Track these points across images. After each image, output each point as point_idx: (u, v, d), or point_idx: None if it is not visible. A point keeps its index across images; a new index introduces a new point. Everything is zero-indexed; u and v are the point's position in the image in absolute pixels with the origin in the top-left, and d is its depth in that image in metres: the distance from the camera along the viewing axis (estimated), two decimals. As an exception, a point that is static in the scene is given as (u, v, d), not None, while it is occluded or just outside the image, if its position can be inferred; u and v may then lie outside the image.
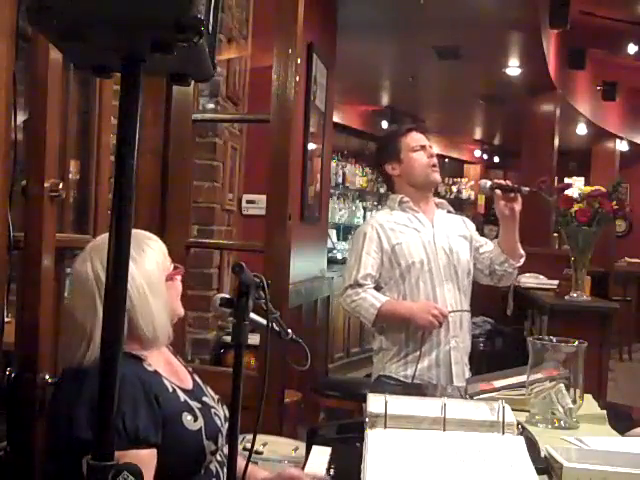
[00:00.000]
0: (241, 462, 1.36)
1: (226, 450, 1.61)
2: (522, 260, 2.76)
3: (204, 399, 1.61)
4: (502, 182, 2.64)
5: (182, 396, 1.55)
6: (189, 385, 1.63)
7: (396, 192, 2.80)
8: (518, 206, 2.59)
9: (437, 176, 2.75)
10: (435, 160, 2.74)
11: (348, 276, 2.68)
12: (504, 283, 2.84)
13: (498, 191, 2.60)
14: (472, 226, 2.87)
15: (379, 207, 9.96)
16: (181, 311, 1.66)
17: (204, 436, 1.52)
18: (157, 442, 1.43)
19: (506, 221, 2.65)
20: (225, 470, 1.58)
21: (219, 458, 1.60)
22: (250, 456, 1.37)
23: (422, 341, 2.63)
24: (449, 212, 2.86)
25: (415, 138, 2.75)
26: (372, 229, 2.70)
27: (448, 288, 2.67)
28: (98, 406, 0.89)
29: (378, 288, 2.68)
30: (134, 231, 1.56)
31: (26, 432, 1.73)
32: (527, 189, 2.59)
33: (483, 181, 2.73)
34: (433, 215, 2.77)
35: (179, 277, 1.64)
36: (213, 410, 1.61)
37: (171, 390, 1.53)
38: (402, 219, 2.72)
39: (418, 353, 2.62)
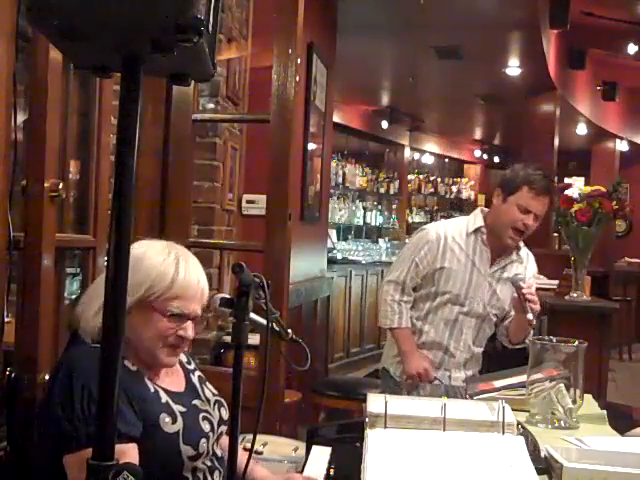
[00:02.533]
0: (241, 458, 1.36)
1: (219, 452, 1.60)
2: (520, 345, 2.69)
3: (194, 402, 1.59)
4: (525, 291, 2.44)
5: (164, 397, 1.52)
6: (180, 388, 1.61)
7: (487, 213, 2.72)
8: (529, 317, 2.46)
9: (512, 243, 2.62)
10: (527, 230, 2.59)
11: (398, 271, 2.71)
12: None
13: (516, 294, 2.50)
14: (532, 268, 2.76)
15: (379, 207, 9.99)
16: (160, 359, 1.52)
17: (181, 440, 1.48)
18: (137, 436, 1.42)
19: (519, 317, 2.56)
20: (215, 475, 1.57)
21: (209, 463, 1.56)
22: (250, 456, 1.37)
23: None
24: (519, 248, 2.73)
25: (532, 202, 2.56)
26: (436, 239, 2.67)
27: (469, 326, 2.69)
28: (98, 406, 0.89)
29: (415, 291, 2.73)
30: (187, 251, 1.60)
31: (26, 432, 1.73)
32: (533, 321, 2.44)
33: (516, 277, 2.53)
34: (499, 255, 2.68)
35: (166, 322, 1.50)
36: (203, 414, 1.58)
37: (152, 390, 1.52)
38: (468, 245, 2.67)
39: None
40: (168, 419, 1.48)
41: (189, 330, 1.53)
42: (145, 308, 1.48)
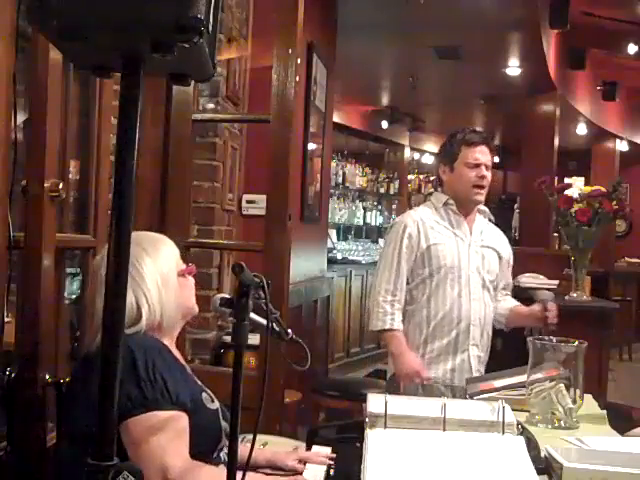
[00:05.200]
0: (243, 450, 1.38)
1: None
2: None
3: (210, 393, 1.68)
4: (552, 316, 2.52)
5: (197, 380, 1.64)
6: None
7: (444, 192, 2.81)
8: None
9: (479, 198, 2.72)
10: (484, 182, 2.69)
11: (387, 270, 2.71)
12: None
13: (543, 313, 2.55)
14: (507, 249, 2.85)
15: (379, 207, 9.99)
16: (195, 309, 1.73)
17: (221, 416, 1.59)
18: (189, 406, 1.51)
19: (528, 319, 2.68)
20: None
21: (225, 450, 1.63)
22: (250, 456, 1.37)
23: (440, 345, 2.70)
24: (490, 221, 2.86)
25: (475, 154, 2.69)
26: (414, 223, 2.72)
27: (474, 297, 2.69)
28: (99, 406, 0.89)
29: (407, 284, 2.74)
30: (149, 233, 1.68)
31: (26, 432, 1.73)
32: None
33: (546, 293, 2.66)
34: (473, 222, 2.77)
35: (191, 275, 1.72)
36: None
37: (189, 372, 1.63)
38: (444, 220, 2.74)
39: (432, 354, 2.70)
40: (208, 397, 1.60)
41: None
42: (178, 279, 1.66)
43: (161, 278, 1.62)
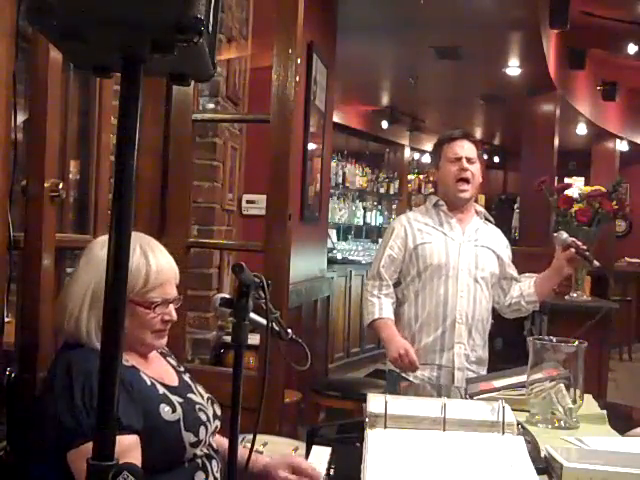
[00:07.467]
0: (242, 452, 1.37)
1: (214, 444, 1.64)
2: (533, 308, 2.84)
3: (189, 396, 1.63)
4: (580, 244, 2.56)
5: (161, 389, 1.56)
6: (174, 383, 1.65)
7: (437, 194, 2.86)
8: (596, 264, 2.57)
9: (464, 195, 2.73)
10: (466, 174, 2.71)
11: (373, 267, 2.82)
12: (511, 316, 2.87)
13: (572, 249, 2.54)
14: (505, 248, 2.85)
15: (379, 207, 10.00)
16: (152, 343, 1.59)
17: (182, 427, 1.52)
18: (139, 429, 1.44)
19: (555, 273, 2.67)
20: (213, 463, 1.60)
21: (205, 451, 1.60)
22: (250, 456, 1.37)
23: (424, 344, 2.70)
24: (487, 220, 2.87)
25: (455, 149, 2.75)
26: (401, 226, 2.79)
27: (461, 295, 2.69)
28: (98, 406, 0.89)
29: (398, 283, 2.78)
30: (147, 237, 1.60)
31: (26, 432, 1.73)
32: (598, 264, 2.52)
33: (561, 233, 2.61)
34: (467, 223, 2.78)
35: (150, 313, 1.56)
36: (198, 406, 1.62)
37: (149, 383, 1.55)
38: (433, 221, 2.78)
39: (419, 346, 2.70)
40: (167, 408, 1.52)
41: (172, 313, 1.60)
42: (127, 304, 1.50)
43: (92, 289, 1.50)
